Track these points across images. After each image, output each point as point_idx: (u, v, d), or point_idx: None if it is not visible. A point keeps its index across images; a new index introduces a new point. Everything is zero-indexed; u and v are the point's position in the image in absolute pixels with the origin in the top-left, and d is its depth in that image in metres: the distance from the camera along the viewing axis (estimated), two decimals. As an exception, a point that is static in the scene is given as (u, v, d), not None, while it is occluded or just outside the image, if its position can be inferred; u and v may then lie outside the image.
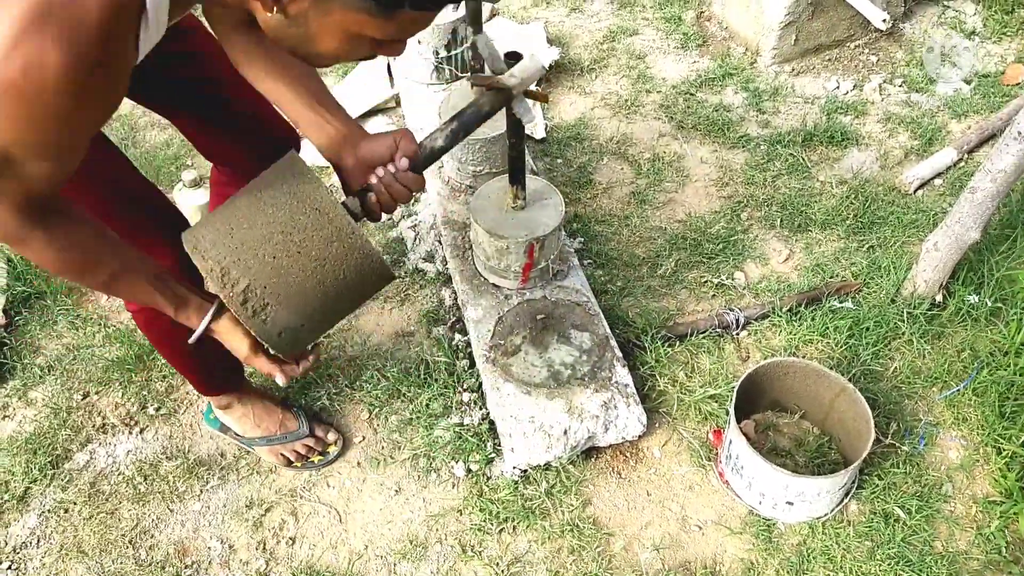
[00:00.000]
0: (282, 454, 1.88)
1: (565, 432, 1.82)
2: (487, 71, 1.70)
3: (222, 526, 1.80)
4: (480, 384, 1.97)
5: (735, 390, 1.75)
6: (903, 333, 2.06)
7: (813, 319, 2.09)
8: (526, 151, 2.44)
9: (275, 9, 0.91)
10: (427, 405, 1.98)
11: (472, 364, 2.03)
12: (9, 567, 1.74)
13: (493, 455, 1.88)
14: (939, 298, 2.09)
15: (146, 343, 2.11)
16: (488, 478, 1.85)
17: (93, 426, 1.98)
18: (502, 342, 1.97)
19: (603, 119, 2.75)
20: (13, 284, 2.23)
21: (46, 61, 0.84)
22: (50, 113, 0.89)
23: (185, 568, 1.74)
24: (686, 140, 2.66)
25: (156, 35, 0.99)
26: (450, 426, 1.93)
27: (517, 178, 1.88)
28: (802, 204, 2.42)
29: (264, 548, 1.76)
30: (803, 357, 2.04)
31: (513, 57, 1.61)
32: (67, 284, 2.27)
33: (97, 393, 2.04)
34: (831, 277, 2.21)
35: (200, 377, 1.77)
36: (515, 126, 1.76)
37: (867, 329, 2.05)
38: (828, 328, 2.06)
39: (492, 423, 1.92)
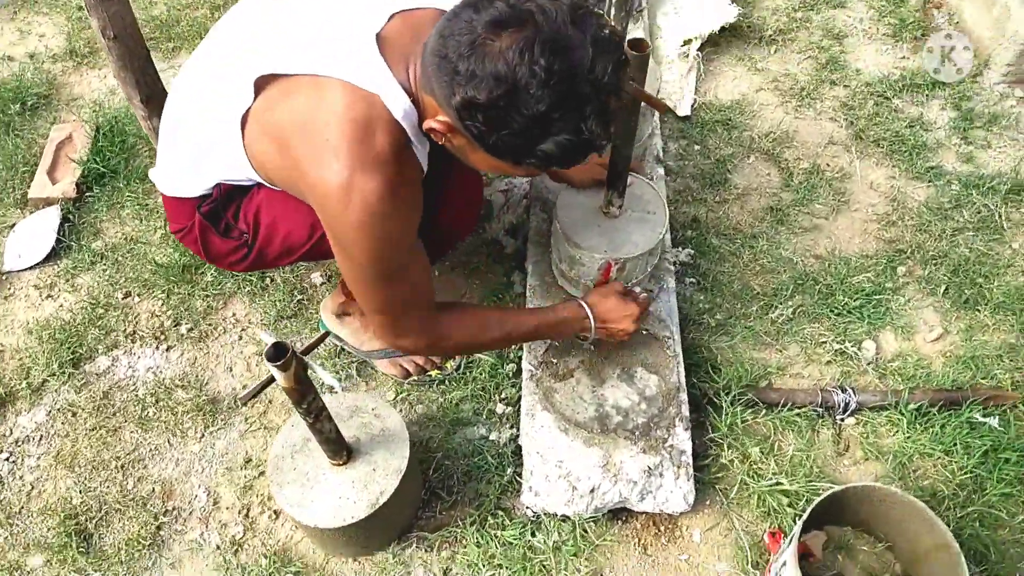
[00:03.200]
0: (401, 365, 1.80)
1: (592, 491, 1.55)
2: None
3: (214, 477, 1.69)
4: (520, 398, 1.72)
5: (808, 511, 1.41)
6: (1053, 479, 1.61)
7: (942, 428, 1.67)
8: (657, 133, 2.08)
9: (442, 141, 1.18)
10: (457, 405, 1.76)
11: (518, 372, 1.78)
12: (7, 458, 1.72)
13: (510, 484, 1.65)
14: (1119, 450, 1.62)
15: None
16: (497, 508, 1.63)
17: (124, 331, 1.90)
18: (555, 361, 1.70)
19: (767, 106, 2.30)
20: (92, 159, 2.15)
21: (370, 193, 1.14)
22: (389, 231, 1.19)
23: (165, 512, 1.65)
24: (860, 155, 2.19)
25: (425, 153, 1.26)
26: (474, 438, 1.71)
27: (615, 183, 1.55)
28: (980, 273, 1.93)
29: (247, 515, 1.64)
30: (916, 472, 1.65)
31: (636, 47, 1.25)
32: (141, 170, 2.18)
33: (139, 295, 1.96)
34: (985, 378, 1.76)
35: None
36: (626, 126, 1.41)
37: (1006, 461, 1.62)
38: (957, 445, 1.65)
39: (520, 446, 1.68)
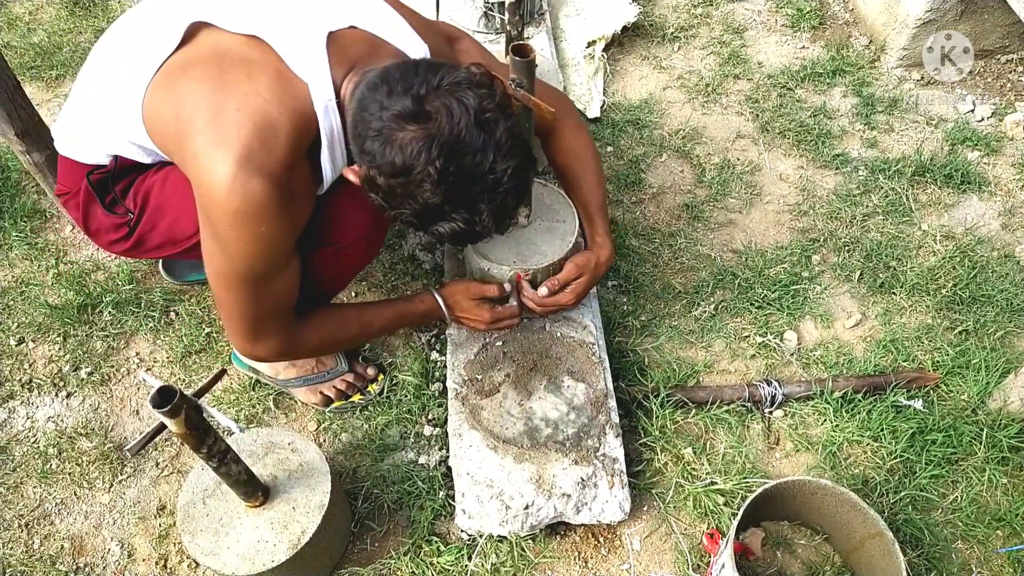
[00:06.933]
0: (321, 392, 1.71)
1: (526, 508, 1.51)
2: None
3: (127, 528, 1.59)
4: (447, 419, 1.67)
5: (742, 510, 1.40)
6: (976, 454, 1.64)
7: (869, 414, 1.69)
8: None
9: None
10: (383, 430, 1.69)
11: (444, 391, 1.73)
12: None
13: (443, 508, 1.59)
14: (1035, 421, 1.66)
15: (95, 291, 1.87)
16: (432, 534, 1.57)
17: (19, 381, 1.77)
18: (480, 377, 1.65)
19: (674, 104, 2.31)
20: (-28, 199, 2.01)
21: (257, 191, 1.11)
22: (266, 233, 1.16)
23: (76, 569, 1.54)
24: (768, 148, 2.21)
25: (334, 172, 1.26)
26: (403, 463, 1.65)
27: (523, 192, 1.51)
28: (892, 256, 1.97)
29: (165, 566, 1.54)
30: (846, 460, 1.66)
31: (520, 53, 1.22)
32: (28, 207, 2.04)
33: (33, 341, 1.83)
34: (906, 360, 1.79)
35: None
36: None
37: (933, 443, 1.65)
38: (884, 430, 1.66)
39: (451, 468, 1.62)
